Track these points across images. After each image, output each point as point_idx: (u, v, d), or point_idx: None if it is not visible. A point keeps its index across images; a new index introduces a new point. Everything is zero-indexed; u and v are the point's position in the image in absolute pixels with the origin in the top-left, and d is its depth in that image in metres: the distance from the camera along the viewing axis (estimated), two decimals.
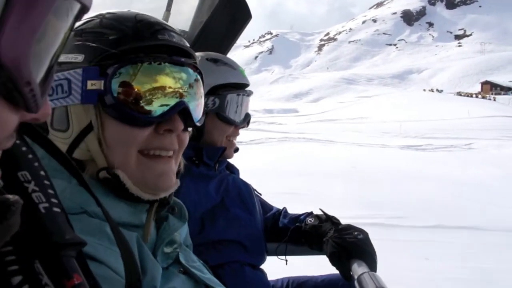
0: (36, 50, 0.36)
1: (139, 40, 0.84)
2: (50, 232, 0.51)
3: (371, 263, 1.41)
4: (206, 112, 1.58)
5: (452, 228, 5.73)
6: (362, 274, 1.29)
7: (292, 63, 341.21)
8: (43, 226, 0.51)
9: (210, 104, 1.63)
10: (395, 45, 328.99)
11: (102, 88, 0.83)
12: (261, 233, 1.71)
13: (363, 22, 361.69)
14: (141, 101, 0.84)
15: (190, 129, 0.96)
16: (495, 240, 5.22)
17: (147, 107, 0.84)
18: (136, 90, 0.84)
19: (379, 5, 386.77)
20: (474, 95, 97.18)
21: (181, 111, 0.88)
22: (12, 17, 0.33)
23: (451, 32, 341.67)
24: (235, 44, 2.19)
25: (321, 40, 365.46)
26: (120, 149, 0.85)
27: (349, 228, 1.56)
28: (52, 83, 0.44)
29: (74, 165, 0.66)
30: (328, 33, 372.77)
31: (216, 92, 1.65)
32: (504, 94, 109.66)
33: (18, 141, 0.55)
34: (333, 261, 1.49)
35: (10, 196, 0.42)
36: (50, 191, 0.55)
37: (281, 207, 1.94)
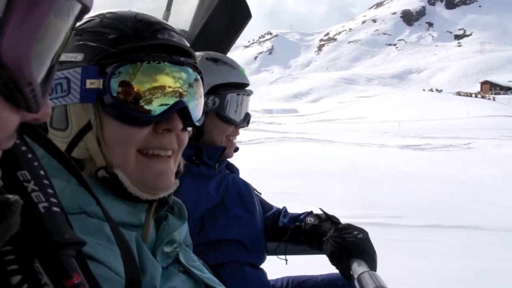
0: (37, 50, 0.37)
1: (139, 40, 0.84)
2: (49, 231, 0.51)
3: (371, 262, 1.41)
4: (206, 112, 1.57)
5: (451, 227, 5.74)
6: (362, 273, 1.29)
7: (292, 63, 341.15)
8: (42, 226, 0.51)
9: (210, 103, 1.63)
10: (394, 45, 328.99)
11: (101, 87, 0.82)
12: (261, 232, 1.71)
13: (363, 22, 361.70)
14: (140, 101, 0.84)
15: (189, 128, 0.96)
16: (493, 240, 5.23)
17: (146, 107, 0.84)
18: (135, 89, 0.84)
19: (379, 5, 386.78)
20: (473, 95, 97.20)
21: (180, 110, 0.88)
22: (13, 17, 0.33)
23: (450, 32, 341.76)
24: (234, 44, 2.19)
25: (321, 40, 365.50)
26: (118, 148, 0.85)
27: (349, 227, 1.56)
28: (53, 83, 0.44)
29: (74, 165, 0.66)
30: (328, 33, 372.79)
31: (216, 91, 1.65)
32: (503, 94, 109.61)
33: (17, 141, 0.55)
34: (333, 261, 1.49)
35: (10, 196, 0.42)
36: (50, 190, 0.55)
37: (280, 207, 1.94)
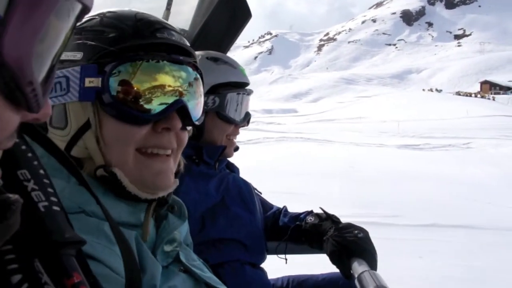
0: (38, 49, 0.37)
1: (138, 38, 0.84)
2: (49, 230, 0.51)
3: (372, 261, 1.41)
4: (206, 111, 1.57)
5: (449, 227, 5.74)
6: (362, 272, 1.28)
7: (292, 63, 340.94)
8: (42, 225, 0.51)
9: (210, 103, 1.63)
10: (394, 45, 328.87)
11: (100, 85, 0.83)
12: (262, 232, 1.71)
13: (363, 22, 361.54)
14: (139, 100, 0.84)
15: (189, 128, 0.96)
16: (491, 239, 5.23)
17: (145, 106, 0.84)
18: (135, 88, 0.84)
19: (378, 5, 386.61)
20: (473, 95, 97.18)
21: (179, 109, 0.88)
22: (15, 17, 0.33)
23: (450, 32, 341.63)
24: (234, 45, 2.19)
25: (321, 40, 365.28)
26: (117, 147, 0.85)
27: (350, 226, 1.56)
28: (53, 82, 0.44)
29: (74, 164, 0.67)
30: (327, 33, 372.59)
31: (216, 91, 1.65)
32: (503, 94, 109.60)
33: (17, 140, 0.55)
34: (334, 260, 1.49)
35: (10, 195, 0.42)
36: (50, 189, 0.55)
37: (279, 206, 1.94)
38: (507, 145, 16.47)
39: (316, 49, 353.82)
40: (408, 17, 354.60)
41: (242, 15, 2.06)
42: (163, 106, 0.85)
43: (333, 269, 1.55)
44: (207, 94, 1.61)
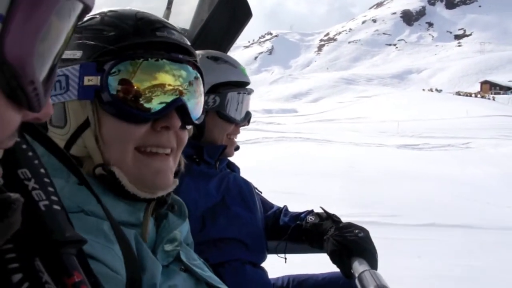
0: (39, 49, 0.37)
1: (138, 37, 0.84)
2: (50, 229, 0.51)
3: (372, 261, 1.40)
4: (206, 111, 1.58)
5: (448, 226, 5.75)
6: (363, 272, 1.28)
7: (292, 63, 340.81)
8: (43, 224, 0.51)
9: (210, 102, 1.63)
10: (394, 45, 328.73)
11: (99, 84, 0.83)
12: (262, 231, 1.71)
13: (363, 22, 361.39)
14: (139, 98, 0.84)
15: (189, 127, 0.95)
16: (491, 239, 5.24)
17: (145, 105, 0.84)
18: (134, 87, 0.84)
19: (379, 5, 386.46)
20: (473, 95, 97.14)
21: (179, 108, 0.87)
22: (17, 16, 0.33)
23: (450, 32, 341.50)
24: (234, 45, 2.18)
25: (321, 40, 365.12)
26: (116, 145, 0.85)
27: (350, 226, 1.56)
28: (54, 82, 0.44)
29: (74, 163, 0.67)
30: (328, 33, 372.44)
31: (217, 90, 1.64)
32: (503, 94, 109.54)
33: (18, 139, 0.55)
34: (334, 259, 1.49)
35: (11, 194, 0.42)
36: (50, 188, 0.55)
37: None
38: (506, 145, 16.48)
39: (316, 49, 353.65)
40: (409, 17, 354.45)
41: (242, 15, 2.07)
42: (163, 105, 0.85)
43: (333, 268, 1.55)
44: (207, 93, 1.61)
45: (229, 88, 1.67)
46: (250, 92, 1.76)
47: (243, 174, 1.85)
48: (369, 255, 1.43)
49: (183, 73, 0.89)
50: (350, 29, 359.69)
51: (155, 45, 0.86)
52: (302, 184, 8.33)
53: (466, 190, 8.18)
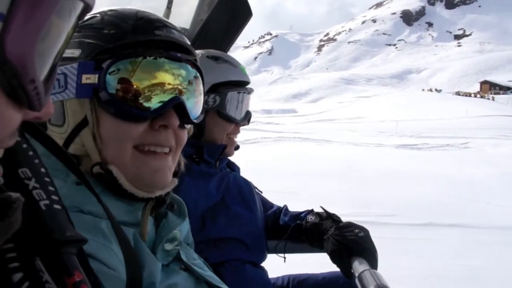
0: (40, 48, 0.37)
1: (136, 36, 0.84)
2: (50, 229, 0.51)
3: (372, 260, 1.41)
4: (206, 110, 1.58)
5: (447, 226, 5.76)
6: (363, 271, 1.28)
7: (292, 63, 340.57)
8: (43, 223, 0.51)
9: (210, 102, 1.63)
10: (394, 45, 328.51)
11: (97, 82, 0.83)
12: (262, 230, 1.71)
13: (363, 23, 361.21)
14: (137, 97, 0.84)
15: (189, 126, 0.95)
16: (489, 238, 5.25)
17: (143, 103, 0.84)
18: (132, 86, 0.83)
19: (378, 5, 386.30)
20: (472, 95, 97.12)
21: (177, 107, 0.87)
22: (17, 16, 0.33)
23: (450, 32, 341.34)
24: (234, 45, 2.18)
25: (321, 40, 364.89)
26: (114, 144, 0.85)
27: (350, 225, 1.56)
28: (55, 81, 0.44)
29: (75, 163, 0.67)
30: (327, 34, 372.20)
31: (217, 90, 1.64)
32: (503, 94, 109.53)
33: (18, 138, 0.54)
34: (334, 259, 1.49)
35: (12, 194, 0.42)
36: (51, 188, 0.55)
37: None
38: (506, 144, 16.49)
39: (316, 49, 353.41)
40: (408, 17, 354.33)
41: (242, 14, 2.07)
42: (160, 104, 0.85)
43: (333, 268, 1.55)
44: (207, 93, 1.61)
45: (229, 87, 1.67)
46: (250, 91, 1.76)
47: (242, 173, 1.85)
48: (369, 254, 1.43)
49: (183, 72, 0.89)
50: (350, 29, 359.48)
51: (154, 44, 0.86)
52: (300, 184, 8.33)
53: (464, 190, 8.19)
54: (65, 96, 0.85)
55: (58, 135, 0.87)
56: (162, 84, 0.86)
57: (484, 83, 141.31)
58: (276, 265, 1.74)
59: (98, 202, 0.71)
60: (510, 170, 10.66)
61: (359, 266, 1.34)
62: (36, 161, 0.56)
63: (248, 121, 1.77)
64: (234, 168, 1.83)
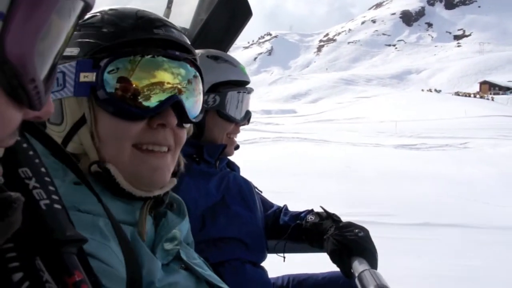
0: (40, 47, 0.37)
1: (135, 34, 0.84)
2: (51, 228, 0.51)
3: (372, 260, 1.40)
4: (206, 110, 1.58)
5: (446, 226, 5.76)
6: (363, 271, 1.28)
7: (291, 64, 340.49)
8: (44, 223, 0.51)
9: (210, 101, 1.62)
10: (394, 45, 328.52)
11: (94, 80, 0.82)
12: (262, 230, 1.71)
13: (362, 23, 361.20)
14: (136, 96, 0.83)
15: (188, 126, 0.95)
16: (488, 238, 5.26)
17: (143, 102, 0.84)
18: (131, 84, 0.83)
19: (378, 5, 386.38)
20: (472, 95, 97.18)
21: (175, 106, 0.87)
22: (17, 15, 0.33)
23: (450, 33, 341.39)
24: (234, 45, 2.18)
25: (321, 41, 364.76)
26: (112, 143, 0.85)
27: (350, 225, 1.56)
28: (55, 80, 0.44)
29: (75, 162, 0.67)
30: (327, 34, 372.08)
31: (217, 89, 1.64)
32: (502, 94, 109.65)
33: (19, 138, 0.54)
34: (334, 259, 1.49)
35: (12, 193, 0.42)
36: (51, 187, 0.55)
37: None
38: (505, 145, 16.51)
39: (315, 50, 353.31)
40: (408, 18, 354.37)
41: (242, 14, 2.07)
42: (158, 102, 0.85)
43: (333, 268, 1.55)
44: (207, 92, 1.61)
45: (229, 87, 1.67)
46: (250, 91, 1.76)
47: (240, 174, 1.85)
48: (369, 254, 1.43)
49: (182, 71, 0.89)
50: (350, 29, 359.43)
51: (153, 43, 0.86)
52: (299, 184, 8.35)
53: (463, 190, 8.20)
54: (63, 94, 0.85)
55: (56, 133, 0.87)
56: (161, 83, 0.85)
57: (483, 83, 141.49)
58: (276, 265, 1.74)
59: (97, 201, 0.71)
60: (509, 170, 10.67)
61: (359, 266, 1.34)
62: (37, 160, 0.56)
63: (248, 121, 1.77)
64: (234, 167, 1.83)
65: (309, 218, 1.72)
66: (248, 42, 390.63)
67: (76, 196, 0.76)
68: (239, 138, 1.78)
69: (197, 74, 0.93)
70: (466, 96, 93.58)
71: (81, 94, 0.84)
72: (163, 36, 0.86)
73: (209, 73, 1.55)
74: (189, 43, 0.94)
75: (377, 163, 11.84)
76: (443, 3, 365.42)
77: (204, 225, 1.53)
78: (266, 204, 1.90)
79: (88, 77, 0.83)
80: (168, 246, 0.91)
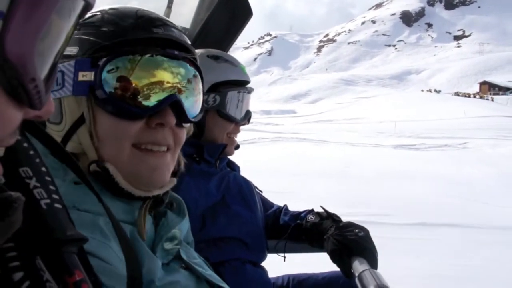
0: (40, 47, 0.37)
1: (134, 34, 0.84)
2: (51, 228, 0.51)
3: (372, 260, 1.40)
4: (206, 109, 1.58)
5: (443, 226, 5.76)
6: (363, 271, 1.28)
7: (291, 64, 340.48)
8: (44, 222, 0.51)
9: (210, 101, 1.62)
10: (394, 46, 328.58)
11: (93, 79, 0.82)
12: (262, 230, 1.71)
13: (362, 23, 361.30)
14: (136, 96, 0.83)
15: (188, 125, 0.95)
16: (487, 238, 5.26)
17: (141, 101, 0.84)
18: (130, 84, 0.83)
19: (378, 6, 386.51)
20: (471, 95, 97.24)
21: (174, 105, 0.87)
22: (17, 14, 0.33)
23: (450, 33, 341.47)
24: (234, 46, 2.17)
25: (320, 41, 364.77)
26: (111, 142, 0.85)
27: (350, 225, 1.56)
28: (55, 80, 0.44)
29: (75, 162, 0.67)
30: (327, 34, 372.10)
31: (217, 89, 1.64)
32: (502, 94, 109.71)
33: (19, 137, 0.55)
34: (334, 259, 1.49)
35: (12, 193, 0.42)
36: (51, 187, 0.55)
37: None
38: (504, 145, 16.51)
39: (315, 50, 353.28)
40: (408, 18, 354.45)
41: (243, 14, 2.07)
42: (156, 102, 0.85)
43: (333, 268, 1.55)
44: (207, 92, 1.61)
45: (229, 87, 1.67)
46: (250, 91, 1.76)
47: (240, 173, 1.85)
48: (369, 254, 1.43)
49: (182, 70, 0.89)
50: (350, 30, 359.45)
51: (152, 42, 0.86)
52: (298, 184, 8.35)
53: (463, 190, 8.21)
54: (62, 93, 0.85)
55: (56, 133, 0.87)
56: (161, 82, 0.85)
57: (483, 83, 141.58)
58: (276, 264, 1.74)
59: (97, 201, 0.71)
60: (508, 170, 10.68)
61: (359, 266, 1.34)
62: (37, 160, 0.56)
63: (248, 121, 1.77)
64: (234, 167, 1.84)
65: (309, 218, 1.72)
66: (248, 43, 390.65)
67: (76, 196, 0.76)
68: (238, 138, 1.79)
69: (197, 73, 0.93)
70: (465, 96, 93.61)
71: (79, 93, 0.84)
72: (162, 36, 0.86)
73: (209, 73, 1.55)
74: (189, 42, 0.93)
75: (376, 163, 11.84)
76: (443, 4, 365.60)
77: (204, 225, 1.53)
78: (266, 204, 1.90)
79: (87, 76, 0.83)
80: (168, 245, 0.91)
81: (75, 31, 0.82)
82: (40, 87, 0.38)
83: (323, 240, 1.57)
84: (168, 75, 0.86)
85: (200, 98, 0.96)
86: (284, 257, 1.73)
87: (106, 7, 0.90)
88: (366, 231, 1.53)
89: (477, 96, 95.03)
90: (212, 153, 1.65)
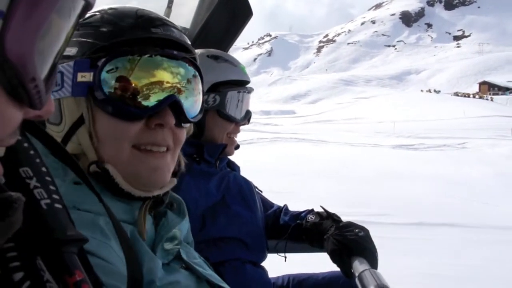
0: (40, 46, 0.37)
1: (132, 34, 0.84)
2: (51, 228, 0.51)
3: (372, 260, 1.40)
4: (206, 109, 1.58)
5: (443, 225, 5.78)
6: (363, 271, 1.28)
7: (291, 64, 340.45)
8: (44, 223, 0.51)
9: (210, 101, 1.62)
10: (393, 46, 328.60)
11: (92, 80, 0.82)
12: (262, 230, 1.70)
13: (362, 24, 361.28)
14: (134, 95, 0.83)
15: (188, 125, 0.94)
16: (487, 238, 5.27)
17: (140, 101, 0.83)
18: (130, 84, 0.83)
19: (377, 6, 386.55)
20: (471, 95, 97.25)
21: (173, 105, 0.86)
22: (17, 13, 0.33)
23: (449, 33, 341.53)
24: (234, 46, 2.18)
25: (320, 41, 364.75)
26: (110, 143, 0.84)
27: (350, 225, 1.55)
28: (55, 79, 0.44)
29: (76, 162, 0.67)
30: (327, 35, 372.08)
31: (217, 89, 1.64)
32: (502, 94, 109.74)
33: (19, 137, 0.55)
34: (334, 259, 1.49)
35: (13, 193, 0.42)
36: (52, 187, 0.55)
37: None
38: (503, 145, 16.54)
39: (315, 50, 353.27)
40: (407, 18, 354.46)
41: (243, 14, 2.07)
42: (156, 102, 0.85)
43: (333, 267, 1.55)
44: (207, 92, 1.61)
45: (229, 87, 1.67)
46: (250, 90, 1.76)
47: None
48: (369, 254, 1.43)
49: (181, 70, 0.88)
50: (349, 30, 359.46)
51: (151, 42, 0.85)
52: (297, 184, 8.37)
53: (461, 190, 8.23)
54: (61, 94, 0.84)
55: (55, 133, 0.87)
56: (160, 82, 0.85)
57: (483, 83, 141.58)
58: (276, 264, 1.74)
59: (98, 201, 0.71)
60: (507, 170, 10.71)
61: (359, 266, 1.34)
62: (37, 160, 0.56)
63: (248, 121, 1.77)
64: (234, 167, 1.83)
65: (309, 218, 1.72)
66: (248, 43, 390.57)
67: (77, 196, 0.76)
68: (237, 138, 1.79)
69: (197, 73, 0.93)
70: (465, 96, 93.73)
71: (78, 94, 0.84)
72: (161, 35, 0.85)
73: (209, 73, 1.54)
74: (189, 42, 0.93)
75: (375, 163, 11.87)
76: (442, 4, 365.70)
77: (204, 225, 1.53)
78: (266, 204, 1.90)
79: (86, 77, 0.83)
80: (168, 245, 0.91)
81: (75, 32, 0.82)
82: (40, 86, 0.38)
83: (323, 240, 1.57)
84: (168, 75, 0.86)
85: (199, 98, 0.95)
86: (285, 257, 1.73)
87: (106, 7, 0.90)
88: (366, 231, 1.53)
89: (477, 96, 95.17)
90: (212, 153, 1.65)
